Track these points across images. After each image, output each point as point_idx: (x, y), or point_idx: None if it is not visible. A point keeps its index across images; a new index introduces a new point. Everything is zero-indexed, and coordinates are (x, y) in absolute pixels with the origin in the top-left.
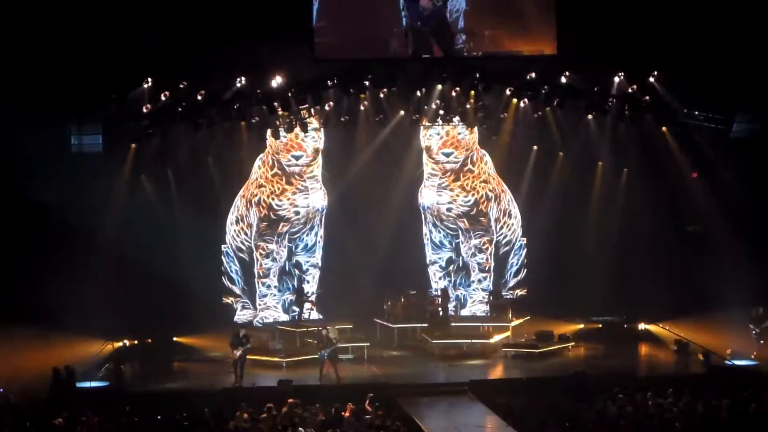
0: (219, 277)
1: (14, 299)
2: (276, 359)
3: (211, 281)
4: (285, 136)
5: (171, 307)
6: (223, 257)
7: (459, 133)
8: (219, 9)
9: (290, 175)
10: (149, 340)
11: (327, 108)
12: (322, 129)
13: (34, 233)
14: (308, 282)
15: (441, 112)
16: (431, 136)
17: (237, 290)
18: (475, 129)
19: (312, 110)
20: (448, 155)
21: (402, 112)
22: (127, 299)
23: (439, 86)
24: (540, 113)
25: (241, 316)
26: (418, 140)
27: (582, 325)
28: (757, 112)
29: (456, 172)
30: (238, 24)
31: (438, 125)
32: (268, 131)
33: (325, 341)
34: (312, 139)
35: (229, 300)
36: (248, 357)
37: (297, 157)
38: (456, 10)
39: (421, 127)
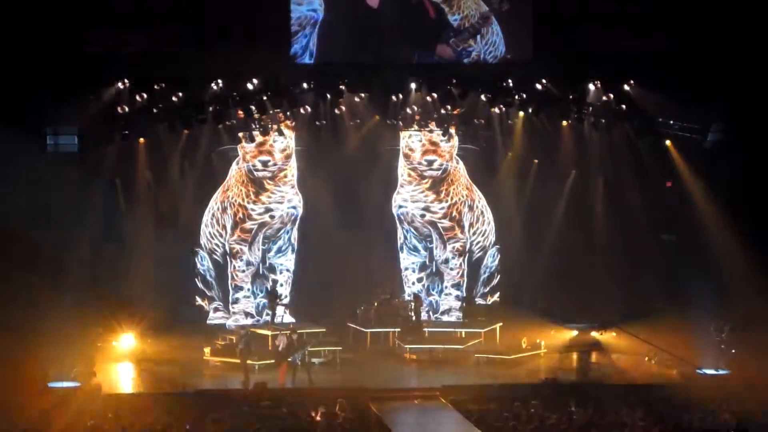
0: (191, 278)
1: None
2: (249, 362)
3: (184, 282)
4: (252, 143)
5: (144, 307)
6: (196, 259)
7: (441, 140)
8: (197, 13)
9: (262, 179)
10: (116, 342)
11: (303, 112)
12: (292, 135)
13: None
14: (281, 285)
15: (417, 117)
16: (413, 142)
17: (210, 293)
18: (455, 136)
19: (287, 113)
20: (430, 163)
21: (377, 117)
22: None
23: (415, 92)
24: (515, 120)
25: (214, 318)
26: (395, 145)
27: (554, 332)
28: (732, 121)
29: (434, 179)
30: (216, 28)
31: (415, 130)
32: (240, 134)
33: (296, 345)
34: (280, 143)
35: (204, 303)
36: (223, 359)
37: (264, 163)
38: None
39: (401, 133)
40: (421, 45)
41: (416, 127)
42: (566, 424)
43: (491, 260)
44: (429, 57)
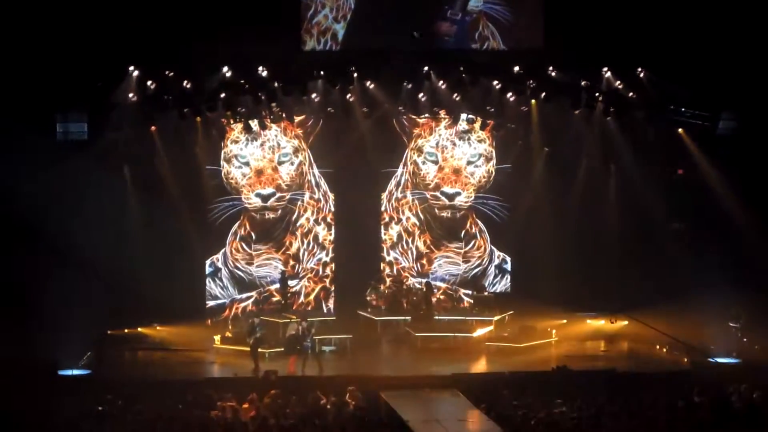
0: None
1: None
2: (260, 350)
3: (194, 273)
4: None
5: (151, 297)
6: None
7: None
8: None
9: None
10: (126, 330)
11: (314, 98)
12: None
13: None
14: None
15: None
16: (424, 162)
17: (221, 293)
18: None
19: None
20: (451, 197)
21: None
22: (105, 289)
23: (426, 79)
24: (526, 107)
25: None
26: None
27: (565, 320)
28: (743, 109)
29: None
30: (226, 15)
31: (431, 159)
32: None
33: (306, 332)
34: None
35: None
36: (231, 347)
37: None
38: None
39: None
40: (423, 28)
41: (427, 114)
42: (577, 412)
43: (503, 263)
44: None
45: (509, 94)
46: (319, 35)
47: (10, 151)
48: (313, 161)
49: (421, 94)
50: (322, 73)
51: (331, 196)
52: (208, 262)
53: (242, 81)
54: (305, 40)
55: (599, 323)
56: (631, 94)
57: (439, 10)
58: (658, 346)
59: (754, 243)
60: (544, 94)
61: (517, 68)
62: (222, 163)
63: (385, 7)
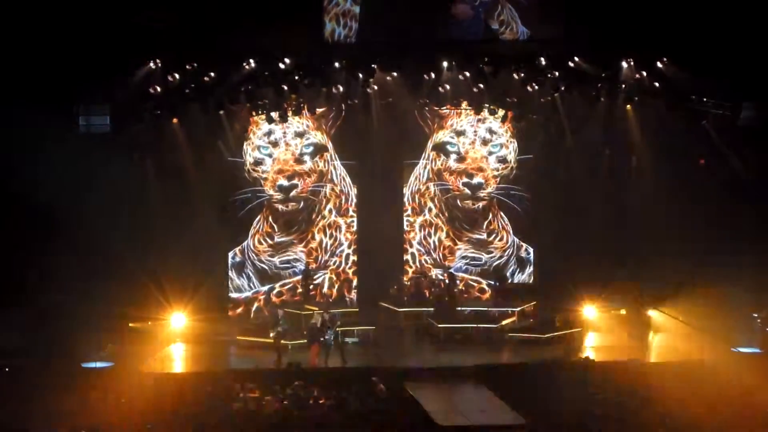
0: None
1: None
2: (283, 342)
3: (217, 265)
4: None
5: (174, 289)
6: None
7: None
8: None
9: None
10: (149, 322)
11: (335, 91)
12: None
13: (40, 216)
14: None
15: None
16: (446, 153)
17: (244, 284)
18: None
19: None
20: (473, 188)
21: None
22: (128, 281)
23: (447, 70)
24: (548, 98)
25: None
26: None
27: (589, 310)
28: (765, 98)
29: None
30: (248, 7)
31: (453, 150)
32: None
33: (329, 324)
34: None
35: (238, 296)
36: (255, 339)
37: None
38: None
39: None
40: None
41: (448, 106)
42: (601, 402)
43: (526, 254)
44: (450, 25)
45: (531, 85)
46: (339, 17)
47: (33, 143)
48: (335, 153)
49: (441, 86)
50: (343, 63)
51: (354, 187)
52: (231, 253)
53: (265, 73)
54: (324, 23)
55: (622, 313)
56: (652, 84)
57: None
58: (681, 336)
59: None
60: (565, 85)
61: (539, 60)
62: (244, 155)
63: None
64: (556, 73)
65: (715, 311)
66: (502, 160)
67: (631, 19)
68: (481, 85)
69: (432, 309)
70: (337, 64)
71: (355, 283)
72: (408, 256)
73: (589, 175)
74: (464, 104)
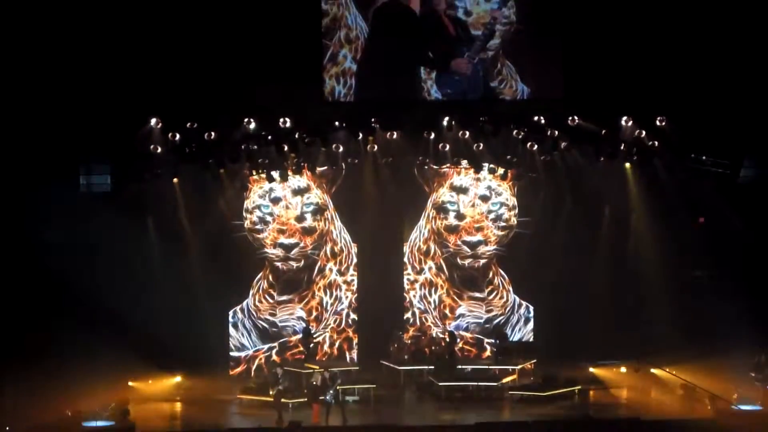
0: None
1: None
2: (283, 400)
3: (217, 323)
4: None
5: (174, 347)
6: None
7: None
8: (228, 51)
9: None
10: (149, 380)
11: (335, 149)
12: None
13: (40, 275)
14: (314, 324)
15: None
16: (446, 211)
17: (244, 343)
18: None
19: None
20: (473, 246)
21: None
22: (129, 339)
23: (447, 129)
24: (548, 157)
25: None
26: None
27: (589, 369)
28: (764, 156)
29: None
30: (248, 65)
31: (452, 209)
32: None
33: (330, 382)
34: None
35: (239, 354)
36: (256, 398)
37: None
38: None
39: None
40: (438, 63)
41: (448, 165)
42: None
43: (526, 312)
44: (446, 77)
45: (530, 144)
46: (338, 76)
47: (35, 203)
48: (335, 212)
49: (441, 145)
50: (344, 124)
51: (354, 246)
52: (231, 312)
53: (264, 132)
54: (324, 81)
55: (622, 371)
56: (652, 142)
57: (458, 47)
58: (681, 394)
59: None
60: (565, 143)
61: (537, 118)
62: (245, 214)
63: (394, 48)
64: (556, 132)
65: (714, 370)
66: (503, 219)
67: (630, 77)
68: (481, 144)
69: (432, 367)
70: (337, 123)
71: (355, 341)
72: (408, 315)
73: (589, 233)
74: (464, 163)
